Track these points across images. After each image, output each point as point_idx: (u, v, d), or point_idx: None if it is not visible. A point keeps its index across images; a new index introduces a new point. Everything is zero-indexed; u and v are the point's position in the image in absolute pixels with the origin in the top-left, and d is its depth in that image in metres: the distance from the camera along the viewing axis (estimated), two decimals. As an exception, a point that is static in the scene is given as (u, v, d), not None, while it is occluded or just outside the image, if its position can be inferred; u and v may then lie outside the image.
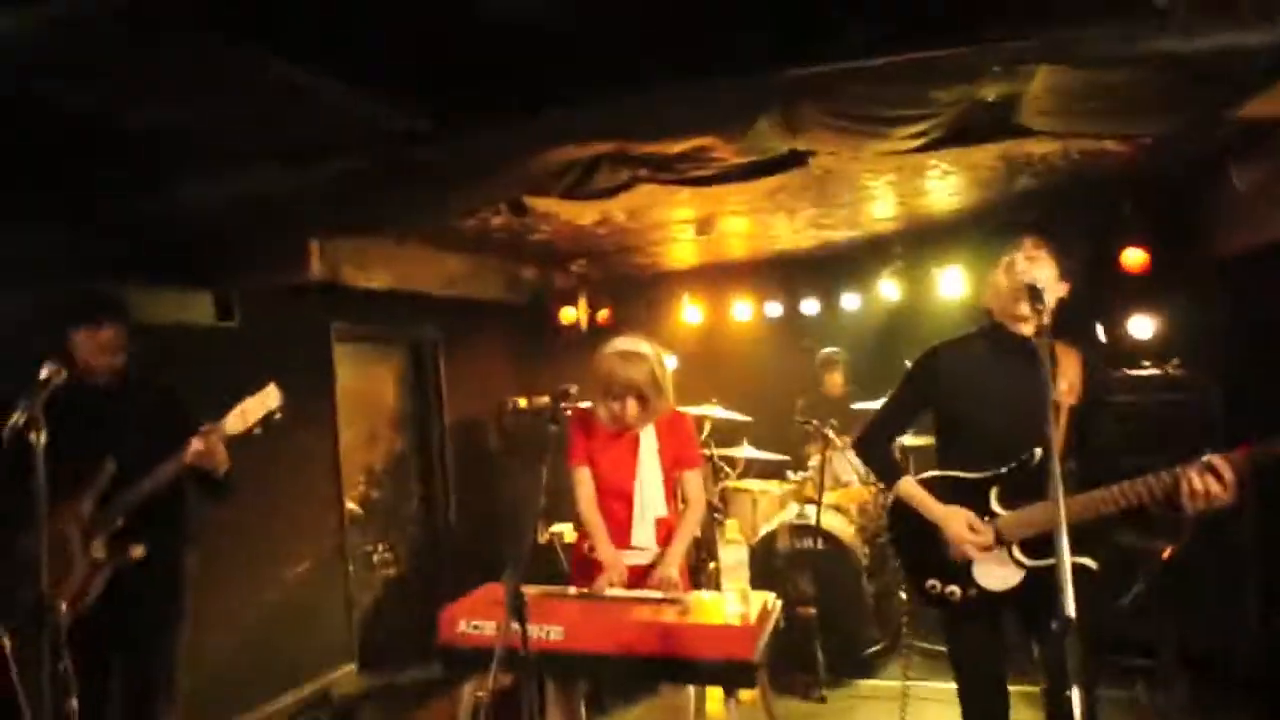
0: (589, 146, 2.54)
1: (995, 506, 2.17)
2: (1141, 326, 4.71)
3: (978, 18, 2.05)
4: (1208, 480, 1.88)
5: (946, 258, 5.44)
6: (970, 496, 2.20)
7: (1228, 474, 1.86)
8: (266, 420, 2.56)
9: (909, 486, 2.30)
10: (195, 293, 3.86)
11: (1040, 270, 2.11)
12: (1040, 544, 2.13)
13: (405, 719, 4.24)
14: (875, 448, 2.44)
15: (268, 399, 2.54)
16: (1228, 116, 2.31)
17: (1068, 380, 2.15)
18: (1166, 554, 3.92)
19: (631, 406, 2.80)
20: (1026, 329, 2.17)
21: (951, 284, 5.44)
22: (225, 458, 2.56)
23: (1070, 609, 1.56)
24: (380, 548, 5.27)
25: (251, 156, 2.59)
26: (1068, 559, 1.64)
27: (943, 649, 4.33)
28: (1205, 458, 1.90)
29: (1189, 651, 3.97)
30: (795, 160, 2.86)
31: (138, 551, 2.51)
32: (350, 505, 4.97)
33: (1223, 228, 3.91)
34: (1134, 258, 4.61)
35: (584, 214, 4.23)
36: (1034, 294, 2.02)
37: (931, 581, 2.23)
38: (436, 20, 2.00)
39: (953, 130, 2.55)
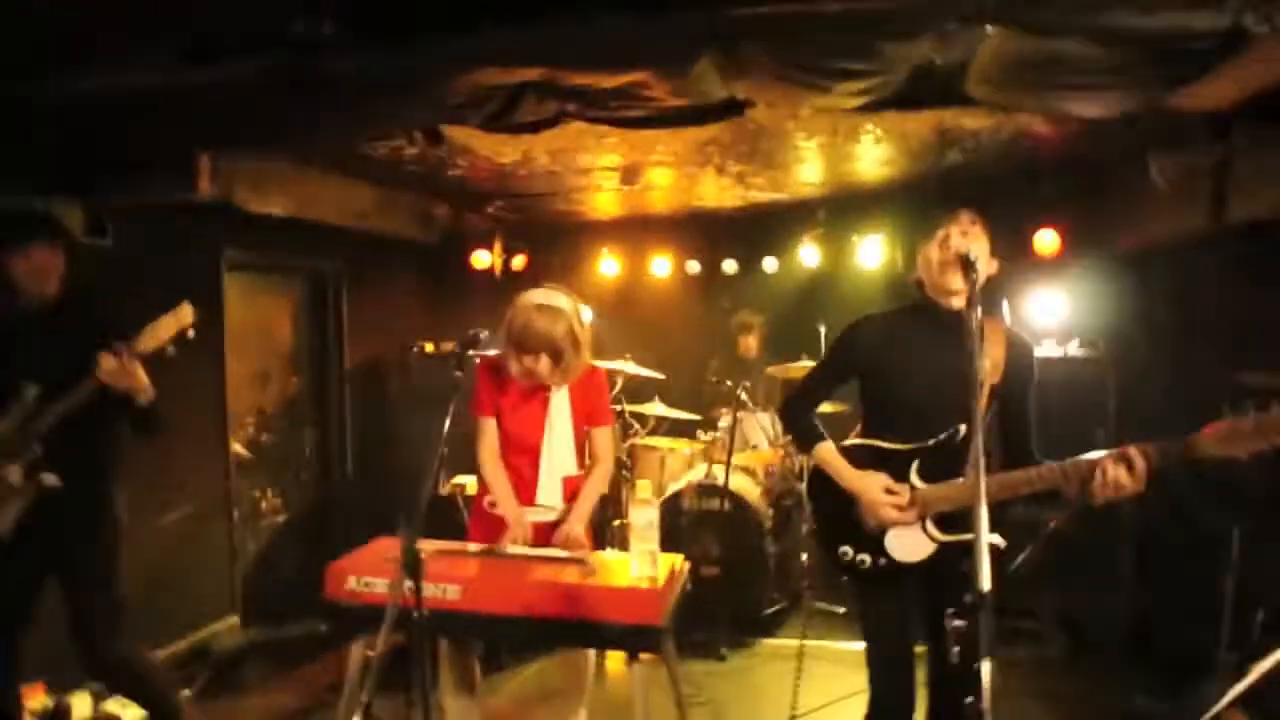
0: (517, 72, 2.33)
1: (915, 479, 2.15)
2: (1046, 309, 4.85)
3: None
4: (1120, 471, 1.90)
5: (869, 227, 5.46)
6: (891, 467, 2.18)
7: (1140, 465, 1.88)
8: (180, 338, 2.50)
9: (826, 453, 2.27)
10: (61, 204, 3.45)
11: (975, 244, 2.08)
12: (953, 519, 2.14)
13: (290, 674, 4.03)
14: (797, 414, 2.41)
15: (181, 315, 2.48)
16: (1167, 103, 2.30)
17: (992, 358, 2.14)
18: (1051, 525, 4.12)
19: (545, 363, 2.67)
20: (957, 302, 2.15)
21: (872, 253, 5.47)
22: (144, 381, 2.47)
23: (985, 584, 1.56)
24: (269, 494, 4.98)
25: (132, 50, 2.27)
26: (985, 535, 1.63)
27: (840, 610, 4.52)
28: (1122, 449, 1.92)
29: (1067, 615, 4.21)
30: (732, 109, 2.72)
31: (49, 480, 2.44)
32: (237, 448, 4.66)
33: (1135, 219, 4.01)
34: (1047, 241, 4.72)
35: (505, 151, 4.00)
36: (968, 266, 1.98)
37: (843, 548, 2.21)
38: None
39: (896, 92, 2.47)
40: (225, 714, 3.62)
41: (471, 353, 2.25)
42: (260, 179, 3.90)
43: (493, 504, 2.81)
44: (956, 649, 2.06)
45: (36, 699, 3.36)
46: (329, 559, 2.48)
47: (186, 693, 3.73)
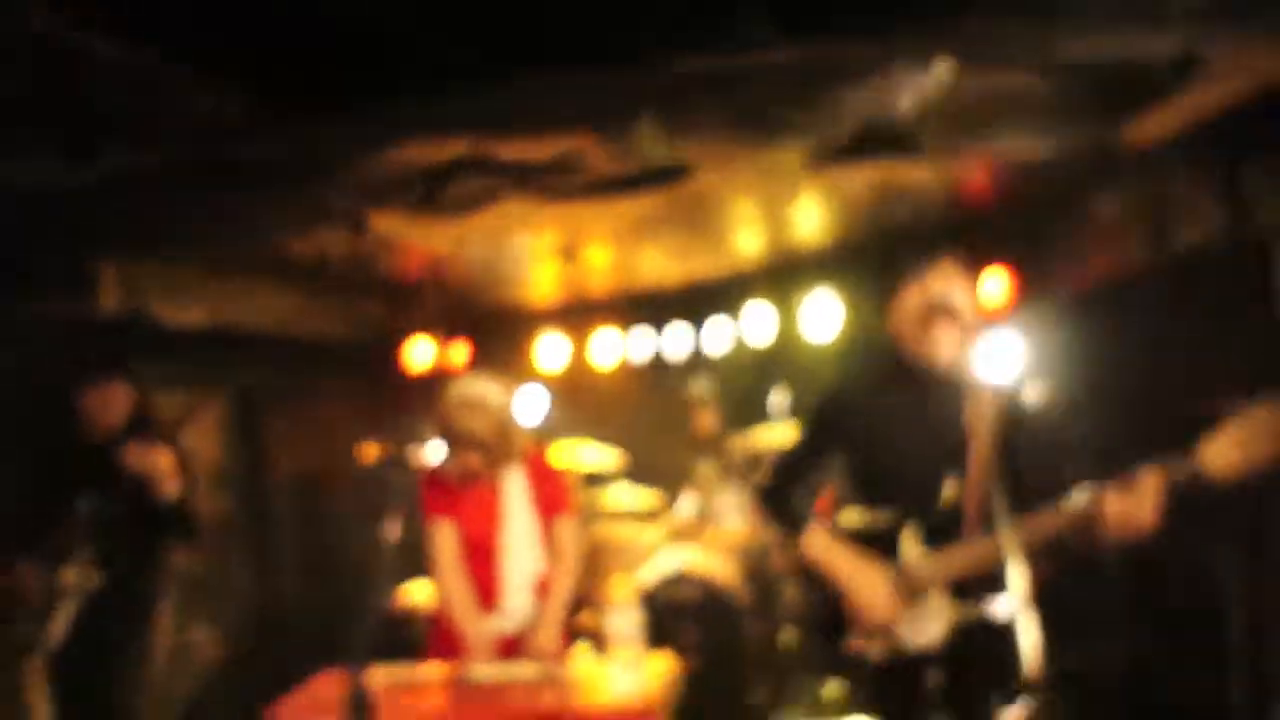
0: (443, 145, 2.18)
1: (909, 552, 1.96)
2: (999, 355, 4.82)
3: (884, 18, 1.88)
4: (1128, 503, 1.75)
5: (816, 290, 5.42)
6: (883, 542, 1.98)
7: (1150, 489, 1.72)
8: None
9: (816, 543, 2.05)
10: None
11: (958, 293, 1.96)
12: (965, 588, 1.94)
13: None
14: (776, 501, 2.20)
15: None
16: (1116, 135, 2.27)
17: (984, 405, 2.00)
18: (1041, 575, 3.96)
19: (474, 459, 2.48)
20: (940, 356, 2.00)
21: (821, 317, 5.39)
22: (168, 469, 2.58)
23: (1037, 659, 1.38)
24: (200, 630, 4.52)
25: (15, 140, 2.04)
26: (1018, 598, 1.45)
27: (830, 693, 4.24)
28: (1125, 475, 1.77)
29: (1061, 671, 4.00)
30: (671, 175, 2.62)
31: (97, 577, 2.50)
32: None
33: (1080, 258, 4.03)
34: (995, 286, 4.72)
35: (436, 240, 3.82)
36: (951, 314, 1.86)
37: (846, 639, 1.98)
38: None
39: (846, 144, 2.40)
40: None
41: (412, 448, 2.04)
42: (172, 285, 3.64)
43: (451, 619, 2.53)
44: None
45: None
46: (274, 695, 2.20)
47: None
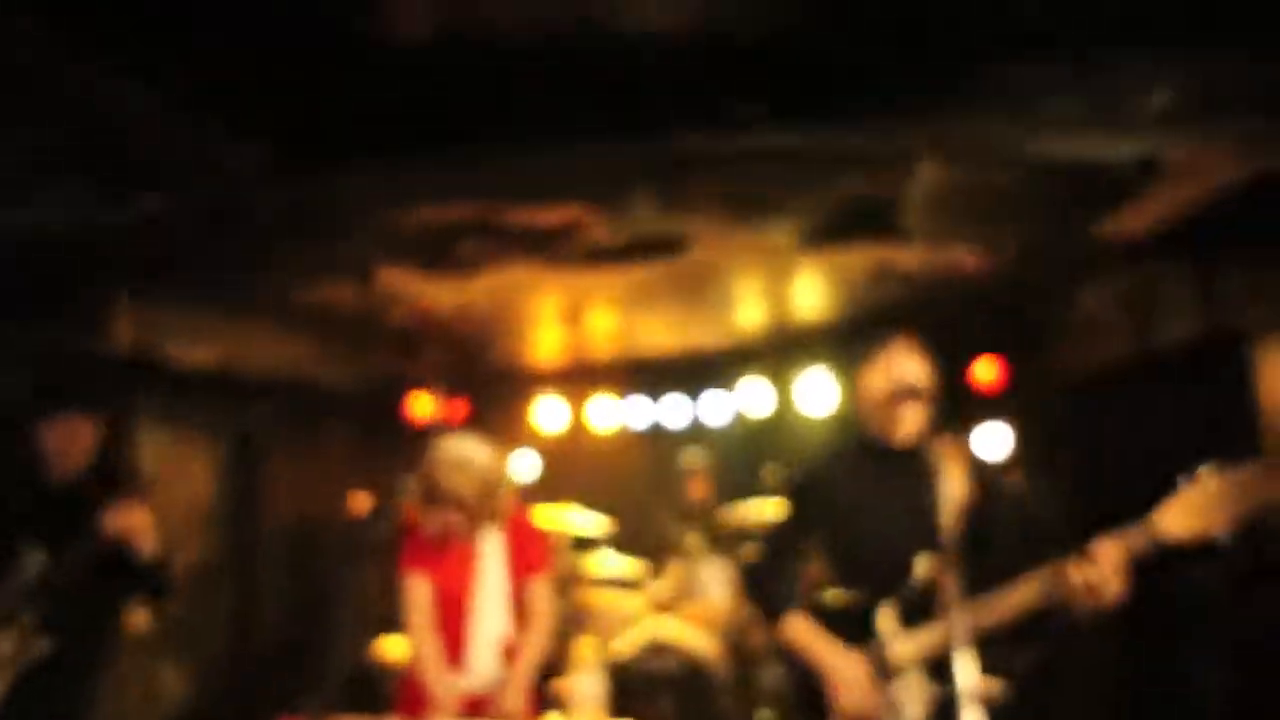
0: (452, 207, 2.29)
1: (885, 630, 1.97)
2: (989, 441, 4.85)
3: (866, 105, 2.01)
4: (1089, 572, 1.76)
5: (811, 365, 5.49)
6: (857, 622, 1.99)
7: (1110, 558, 1.74)
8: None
9: (793, 629, 2.06)
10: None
11: (916, 369, 2.01)
12: (942, 669, 1.94)
13: None
14: (760, 583, 2.22)
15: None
16: (1094, 230, 2.37)
17: (956, 481, 2.03)
18: (1025, 667, 3.90)
19: (454, 517, 2.48)
20: (900, 434, 2.03)
21: (817, 392, 5.46)
22: (147, 527, 2.28)
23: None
24: (169, 674, 4.45)
25: (40, 183, 2.16)
26: (971, 676, 1.46)
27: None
28: (1082, 548, 1.79)
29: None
30: (669, 246, 2.72)
31: (41, 645, 2.19)
32: (135, 620, 4.19)
33: (1071, 346, 4.10)
34: (985, 372, 4.79)
35: (443, 296, 3.93)
36: (913, 393, 1.91)
37: None
38: (289, 42, 1.74)
39: (831, 226, 2.50)
40: None
41: (395, 501, 2.06)
42: (185, 326, 3.73)
43: (427, 678, 2.51)
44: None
45: None
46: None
47: None
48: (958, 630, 1.46)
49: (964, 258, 3.51)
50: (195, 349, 3.83)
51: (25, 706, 2.18)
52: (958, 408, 4.60)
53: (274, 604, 5.05)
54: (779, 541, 2.23)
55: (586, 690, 1.96)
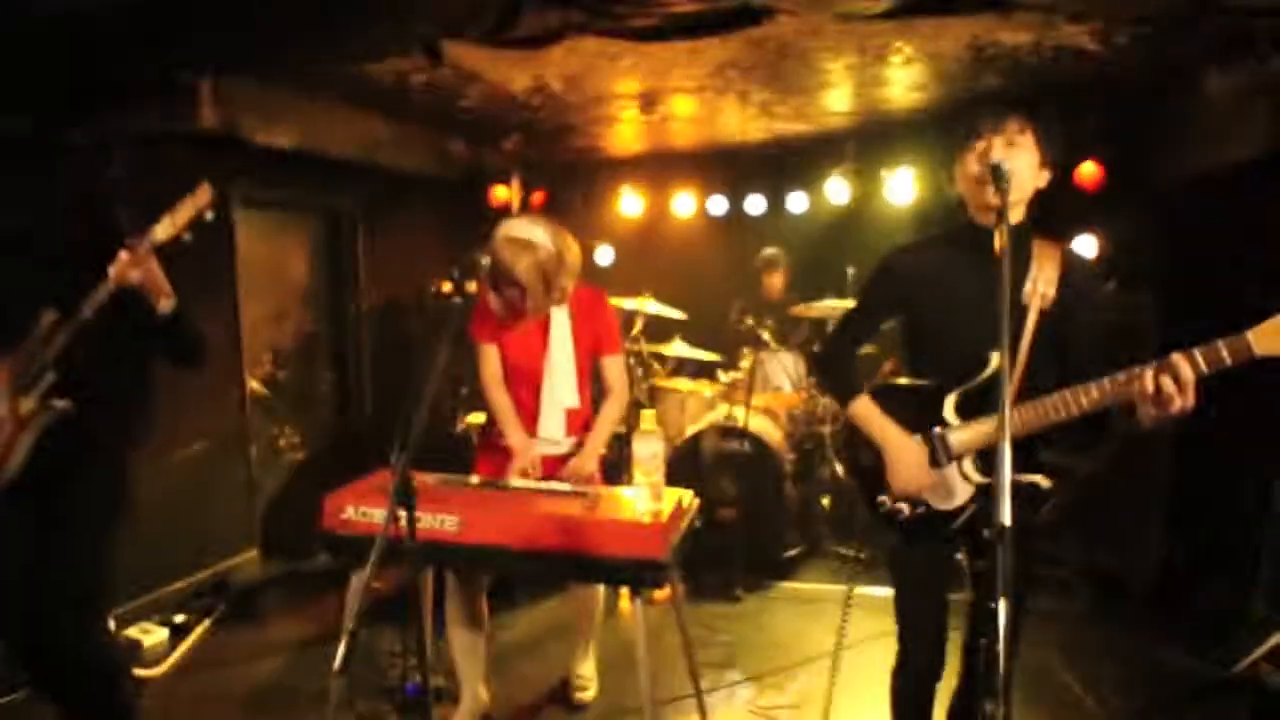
0: (513, -27, 2.17)
1: (950, 417, 2.00)
2: (1086, 245, 4.61)
3: None
4: (1164, 380, 1.73)
5: (899, 160, 5.22)
6: (925, 406, 2.02)
7: (1186, 373, 1.71)
8: (198, 220, 2.23)
9: (863, 409, 2.11)
10: (64, 138, 3.37)
11: (1017, 156, 1.88)
12: (992, 460, 1.98)
13: (306, 606, 4.06)
14: (834, 364, 2.23)
15: (197, 197, 2.22)
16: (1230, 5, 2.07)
17: (1045, 278, 1.96)
18: (1083, 472, 3.96)
19: (515, 297, 2.56)
20: (1000, 221, 1.95)
21: (902, 188, 5.24)
22: (162, 279, 2.22)
23: (1005, 518, 1.42)
24: (286, 431, 4.97)
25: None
26: (1008, 466, 1.49)
27: (860, 555, 4.43)
28: (1165, 359, 1.74)
29: (1094, 565, 4.08)
30: (749, 17, 2.53)
31: (60, 404, 2.20)
32: (254, 385, 4.64)
33: (1184, 146, 3.75)
34: (1089, 172, 4.47)
35: (515, 77, 3.83)
36: (998, 175, 1.79)
37: (880, 498, 2.08)
38: None
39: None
40: (241, 643, 3.65)
41: (471, 277, 2.14)
42: (266, 107, 3.79)
43: (500, 434, 2.73)
44: (971, 591, 1.96)
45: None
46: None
47: (206, 622, 3.79)
48: (1011, 422, 1.47)
49: (1077, 37, 3.15)
50: (276, 130, 3.89)
51: (48, 465, 2.22)
52: (1057, 207, 4.36)
53: (369, 374, 5.47)
54: (853, 325, 2.23)
55: (645, 451, 2.12)
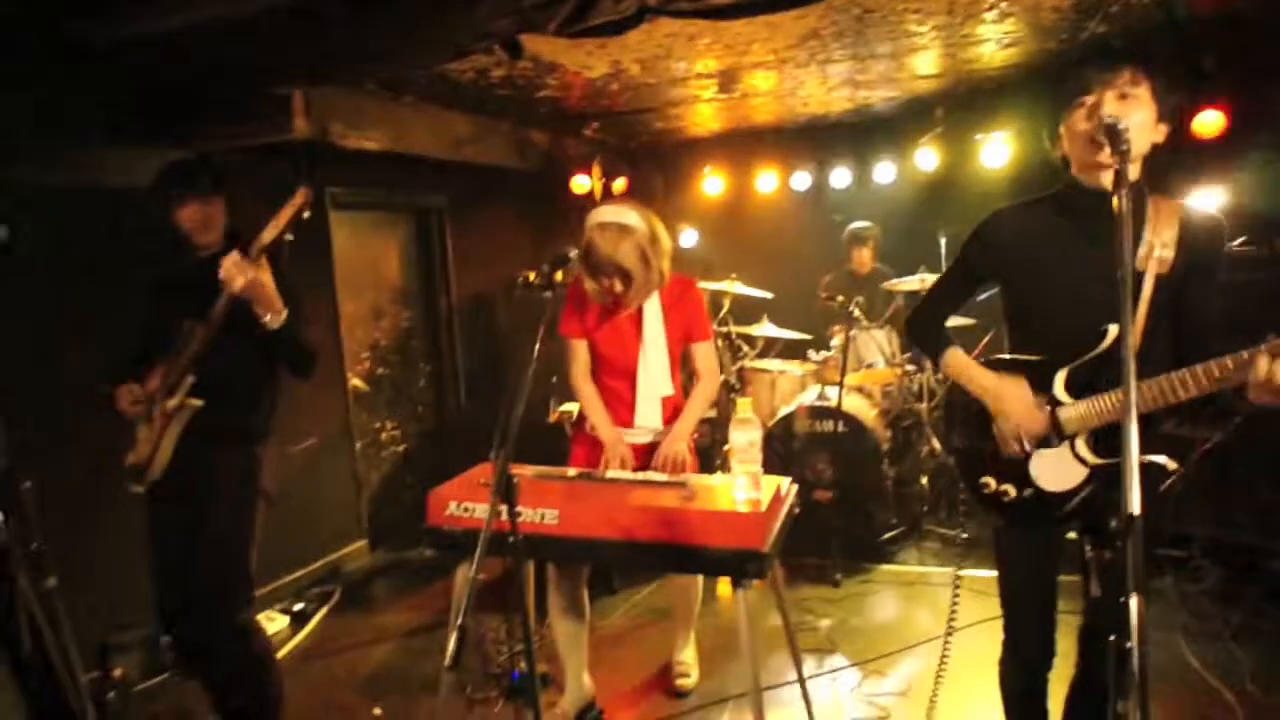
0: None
1: (1060, 394, 1.88)
2: (1208, 199, 4.30)
3: None
4: (1277, 369, 1.59)
5: (993, 123, 4.98)
6: (1033, 382, 1.90)
7: None
8: (296, 220, 2.42)
9: (956, 358, 2.01)
10: (167, 152, 3.55)
11: (1132, 111, 1.73)
12: (1108, 440, 1.86)
13: (412, 595, 4.21)
14: (924, 324, 2.12)
15: (295, 200, 2.40)
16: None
17: (1162, 241, 1.81)
18: (1208, 445, 3.69)
19: (616, 284, 2.56)
20: (1110, 180, 1.81)
21: (997, 153, 5.00)
22: (269, 287, 2.37)
23: (1135, 506, 1.32)
24: (388, 425, 5.15)
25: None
26: (1135, 449, 1.39)
27: (962, 535, 4.29)
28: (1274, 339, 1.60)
29: (1222, 544, 3.82)
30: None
31: (196, 401, 2.44)
32: (355, 382, 4.82)
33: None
34: (1209, 122, 4.15)
35: (593, 64, 3.81)
36: (1113, 135, 1.65)
37: (984, 479, 1.97)
38: None
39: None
40: (355, 631, 3.81)
41: (561, 270, 2.14)
42: (354, 112, 3.89)
43: (593, 426, 2.75)
44: (1097, 582, 1.85)
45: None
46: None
47: (324, 610, 3.98)
48: (1133, 402, 1.37)
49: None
50: (364, 134, 3.99)
51: (188, 464, 2.46)
52: (1174, 162, 4.07)
53: (461, 366, 5.59)
54: (947, 289, 2.12)
55: (742, 441, 2.09)
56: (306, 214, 2.44)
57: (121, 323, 2.64)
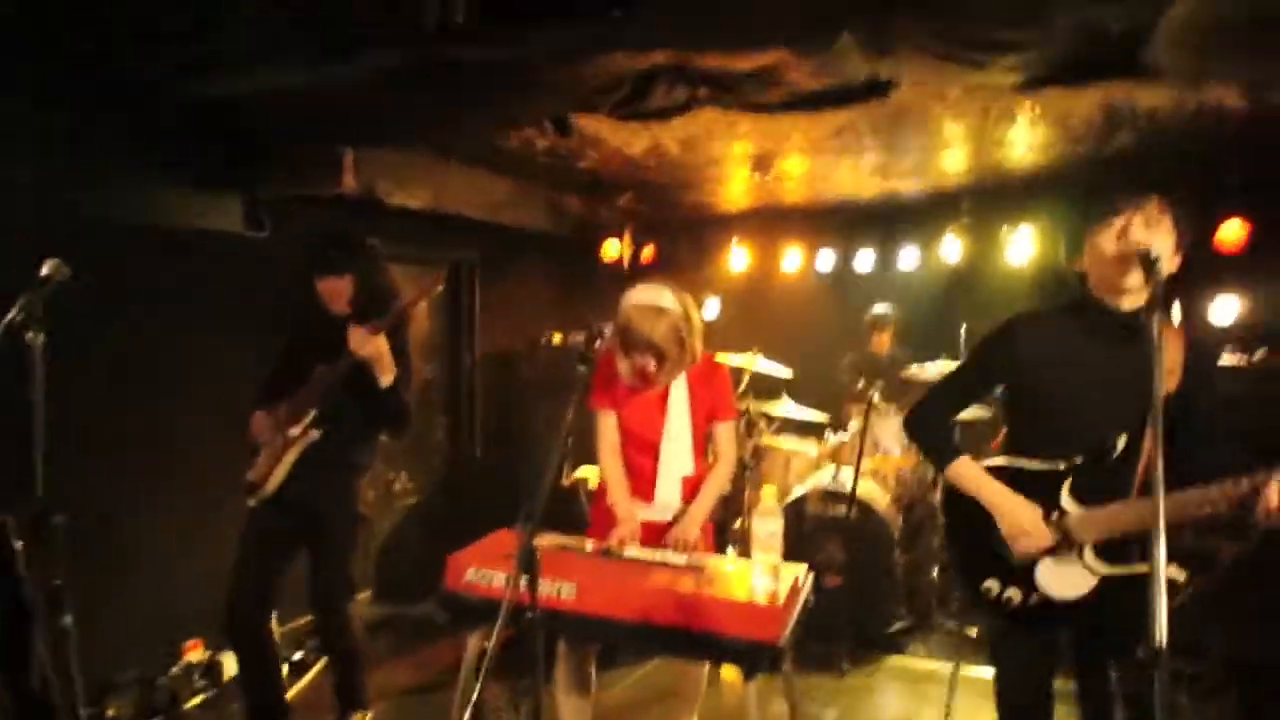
0: (647, 55, 2.25)
1: (1066, 503, 1.90)
2: (1226, 310, 4.34)
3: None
4: None
5: (1018, 219, 5.06)
6: (1039, 489, 1.93)
7: None
8: (426, 299, 2.96)
9: (963, 468, 2.01)
10: (224, 197, 3.68)
11: (1159, 238, 1.81)
12: (1115, 549, 1.87)
13: (413, 653, 4.16)
14: (929, 424, 2.14)
15: (432, 285, 2.83)
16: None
17: (1169, 362, 1.86)
18: (1226, 556, 3.64)
19: (650, 364, 2.59)
20: (1127, 303, 1.88)
21: (1021, 248, 5.07)
22: (385, 354, 2.75)
23: (1162, 636, 1.33)
24: (402, 476, 5.16)
25: (282, 49, 2.35)
26: (1163, 573, 1.40)
27: (971, 632, 4.22)
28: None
29: (1239, 659, 3.73)
30: (874, 91, 2.54)
31: (313, 433, 2.83)
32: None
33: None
34: (1232, 232, 4.22)
35: (634, 142, 3.94)
36: (1148, 264, 1.72)
37: (988, 584, 1.98)
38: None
39: (1062, 65, 2.21)
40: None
41: (595, 345, 2.19)
42: (401, 171, 4.01)
43: (614, 503, 2.76)
44: (1119, 710, 1.84)
45: (196, 653, 3.66)
46: (457, 542, 2.52)
47: (321, 664, 3.93)
48: (1158, 515, 1.39)
49: (1223, 95, 3.00)
50: (409, 192, 4.12)
51: (300, 481, 2.87)
52: (1195, 274, 4.12)
53: (480, 420, 5.62)
54: (953, 387, 2.16)
55: (764, 530, 2.10)
56: (439, 289, 2.91)
57: (176, 362, 2.83)
